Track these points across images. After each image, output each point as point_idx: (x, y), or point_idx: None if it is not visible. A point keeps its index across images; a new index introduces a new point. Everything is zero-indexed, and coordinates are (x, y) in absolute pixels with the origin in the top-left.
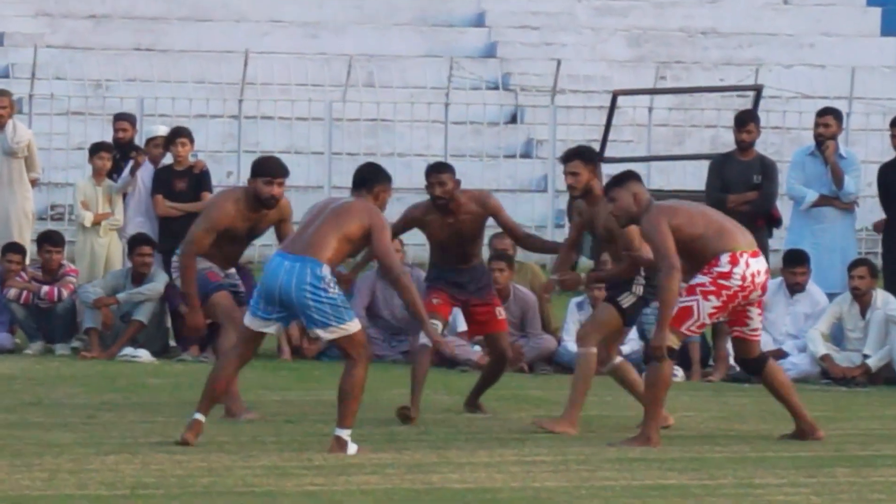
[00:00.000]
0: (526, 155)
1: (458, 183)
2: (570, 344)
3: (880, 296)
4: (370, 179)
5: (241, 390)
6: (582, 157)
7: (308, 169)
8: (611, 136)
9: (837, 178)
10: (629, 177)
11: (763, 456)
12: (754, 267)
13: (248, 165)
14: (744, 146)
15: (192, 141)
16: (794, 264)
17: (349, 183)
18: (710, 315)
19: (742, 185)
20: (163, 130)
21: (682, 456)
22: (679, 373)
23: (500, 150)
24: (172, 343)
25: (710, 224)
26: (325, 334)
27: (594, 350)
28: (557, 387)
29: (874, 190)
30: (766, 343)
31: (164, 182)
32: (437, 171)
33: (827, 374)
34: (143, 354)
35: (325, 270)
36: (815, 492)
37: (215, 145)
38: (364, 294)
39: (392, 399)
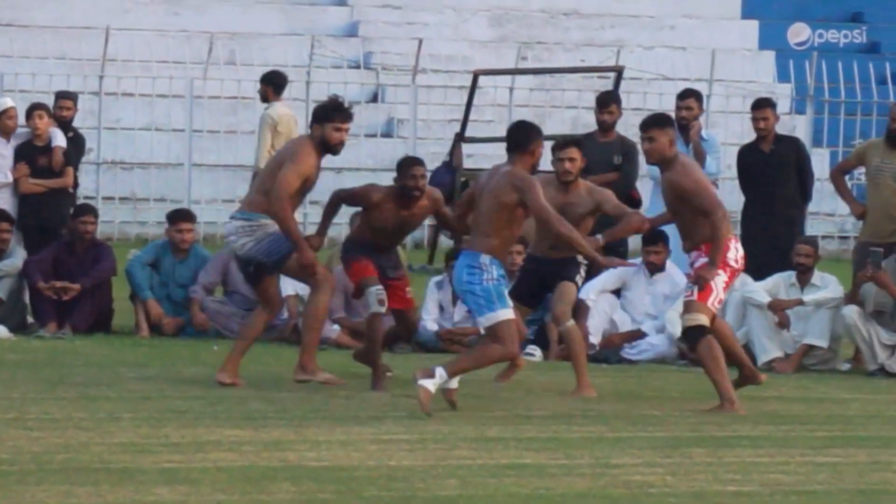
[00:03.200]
0: (387, 134)
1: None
2: (430, 323)
3: (738, 277)
4: (524, 140)
5: (96, 366)
6: (578, 144)
7: (168, 146)
8: (472, 116)
9: (700, 159)
10: (668, 122)
11: (620, 436)
12: (740, 251)
13: (108, 142)
14: (605, 127)
15: (50, 115)
16: (652, 243)
17: (209, 160)
18: (723, 290)
19: (602, 165)
20: (8, 103)
21: (539, 436)
22: (537, 353)
23: (361, 129)
24: (30, 319)
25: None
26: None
27: (573, 322)
28: (416, 365)
29: (734, 172)
30: (623, 323)
31: (25, 158)
32: (416, 164)
33: (684, 355)
34: (1, 331)
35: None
36: (671, 472)
37: (76, 122)
38: (215, 270)
39: (251, 377)
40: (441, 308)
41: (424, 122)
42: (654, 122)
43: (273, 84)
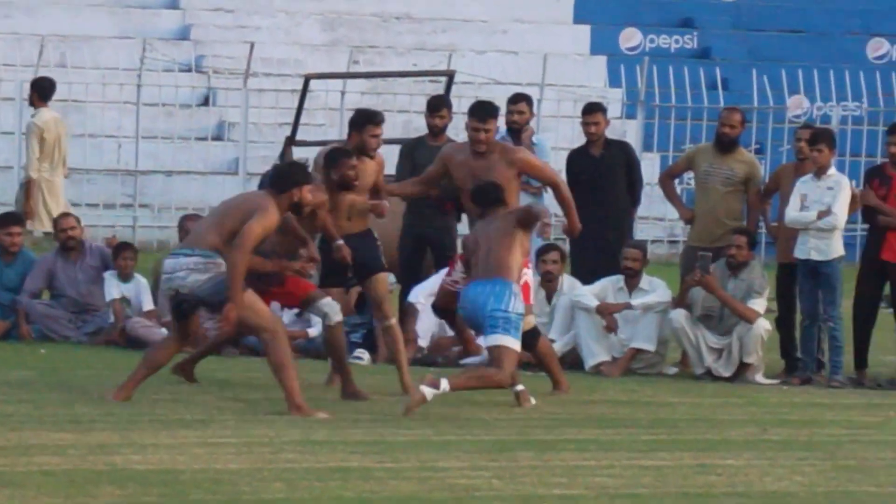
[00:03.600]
0: (218, 137)
1: None
2: None
3: (566, 281)
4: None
5: None
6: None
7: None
8: (303, 120)
9: None
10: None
11: (446, 439)
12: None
13: None
14: (436, 131)
15: None
16: None
17: None
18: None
19: None
20: None
21: (365, 439)
22: (365, 356)
23: (191, 133)
24: None
25: None
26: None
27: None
28: (244, 369)
29: (563, 177)
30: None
31: None
32: (350, 157)
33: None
34: None
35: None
36: (497, 475)
37: None
38: (40, 275)
39: (78, 380)
40: None
41: (255, 125)
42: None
43: (39, 89)
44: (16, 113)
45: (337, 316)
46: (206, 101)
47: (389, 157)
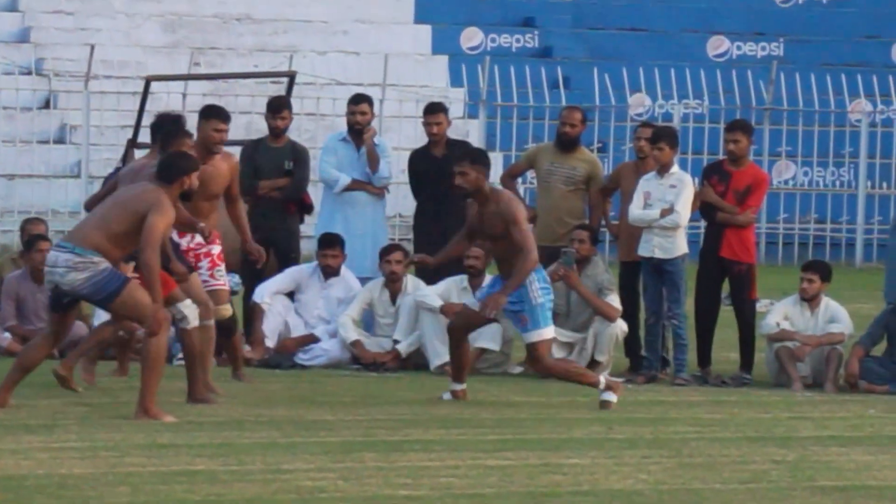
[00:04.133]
0: (60, 140)
1: None
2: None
3: (411, 281)
4: None
5: None
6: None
7: None
8: (144, 122)
9: (374, 162)
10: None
11: (292, 441)
12: None
13: None
14: (276, 132)
15: None
16: (328, 246)
17: None
18: None
19: (274, 171)
20: None
21: (211, 442)
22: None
23: (33, 136)
24: None
25: None
26: None
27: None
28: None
29: (406, 177)
30: (297, 326)
31: None
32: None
33: (357, 359)
34: None
35: None
36: (343, 476)
37: None
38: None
39: None
40: None
41: (97, 128)
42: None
43: None
44: None
45: (195, 320)
46: (47, 104)
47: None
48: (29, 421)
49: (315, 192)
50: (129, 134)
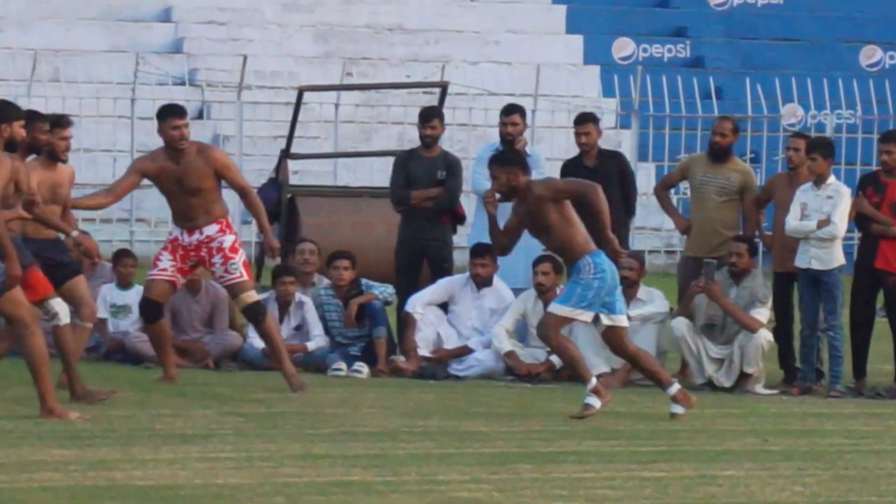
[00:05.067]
0: None
1: None
2: (256, 341)
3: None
4: None
5: None
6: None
7: None
8: (297, 133)
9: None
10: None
11: (447, 452)
12: None
13: None
14: (428, 142)
15: None
16: (479, 256)
17: None
18: None
19: (426, 181)
20: None
21: (366, 453)
22: (364, 369)
23: None
24: None
25: None
26: None
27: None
28: (243, 383)
29: None
30: (450, 337)
31: None
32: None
33: (511, 370)
34: None
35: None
36: (498, 488)
37: None
38: None
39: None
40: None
41: (250, 138)
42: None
43: None
44: None
45: (66, 318)
46: (200, 115)
47: (384, 169)
48: (186, 431)
49: (467, 203)
50: (282, 144)
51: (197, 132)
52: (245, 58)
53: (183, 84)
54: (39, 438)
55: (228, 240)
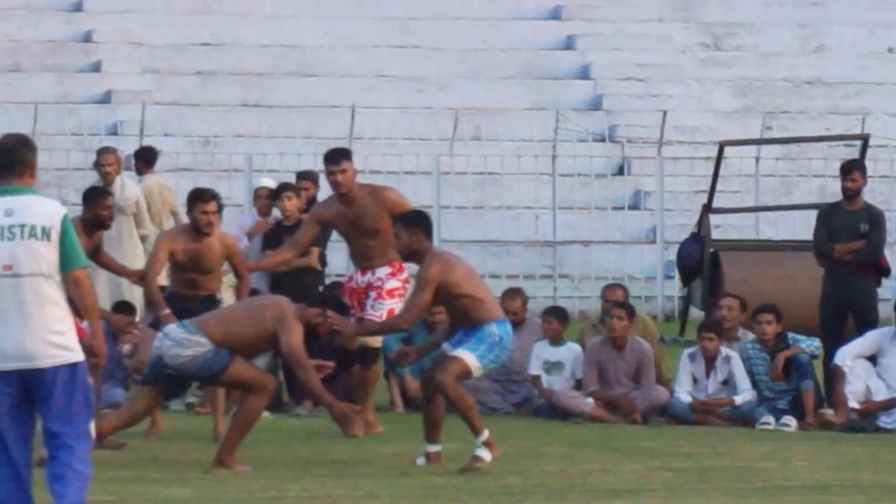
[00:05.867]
0: (634, 206)
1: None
2: (683, 395)
3: None
4: None
5: (352, 443)
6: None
7: None
8: (718, 187)
9: None
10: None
11: None
12: None
13: None
14: (849, 195)
15: (298, 195)
16: None
17: (458, 236)
18: None
19: (849, 234)
20: (267, 182)
21: None
22: (792, 423)
23: (607, 202)
24: (286, 398)
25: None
26: None
27: None
28: (671, 438)
29: None
30: (878, 390)
31: (274, 238)
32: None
33: None
34: None
35: None
36: None
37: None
38: None
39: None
40: (695, 380)
41: (671, 193)
42: None
43: (143, 158)
44: (433, 187)
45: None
46: (620, 171)
47: (806, 222)
48: (616, 486)
49: (892, 255)
50: (703, 199)
51: (617, 188)
52: (665, 113)
53: (603, 140)
54: (471, 494)
55: (391, 284)
